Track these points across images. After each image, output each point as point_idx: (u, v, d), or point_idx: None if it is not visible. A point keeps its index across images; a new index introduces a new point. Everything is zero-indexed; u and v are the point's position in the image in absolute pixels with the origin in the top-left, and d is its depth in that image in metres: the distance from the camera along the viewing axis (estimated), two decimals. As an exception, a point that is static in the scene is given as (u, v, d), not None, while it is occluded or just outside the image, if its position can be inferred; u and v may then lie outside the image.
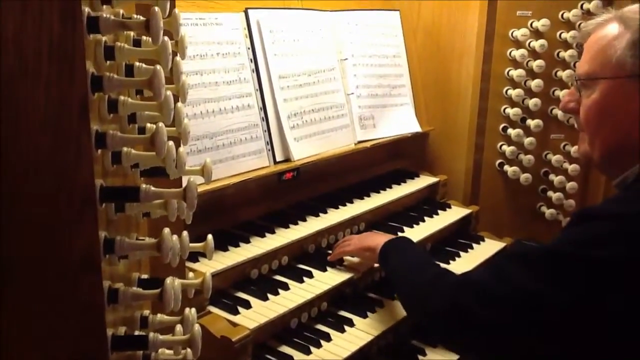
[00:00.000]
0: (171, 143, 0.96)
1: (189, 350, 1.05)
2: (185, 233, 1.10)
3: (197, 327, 1.03)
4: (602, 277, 1.22)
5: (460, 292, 1.43)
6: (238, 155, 1.94)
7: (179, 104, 1.07)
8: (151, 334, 0.98)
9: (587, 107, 1.40)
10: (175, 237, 1.01)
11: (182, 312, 1.11)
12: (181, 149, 1.05)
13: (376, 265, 2.01)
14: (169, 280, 0.97)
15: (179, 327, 1.09)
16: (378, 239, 1.95)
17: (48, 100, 0.76)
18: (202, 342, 1.08)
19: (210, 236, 1.20)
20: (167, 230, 0.95)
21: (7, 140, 0.76)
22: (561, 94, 2.71)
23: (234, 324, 1.65)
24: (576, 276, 1.24)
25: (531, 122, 2.71)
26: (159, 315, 1.16)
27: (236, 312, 1.70)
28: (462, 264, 2.33)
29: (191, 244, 1.13)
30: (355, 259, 2.04)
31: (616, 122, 1.35)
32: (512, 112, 2.72)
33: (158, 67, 0.88)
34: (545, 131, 2.76)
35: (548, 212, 2.84)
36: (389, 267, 1.86)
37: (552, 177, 2.81)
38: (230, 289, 1.83)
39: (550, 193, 2.83)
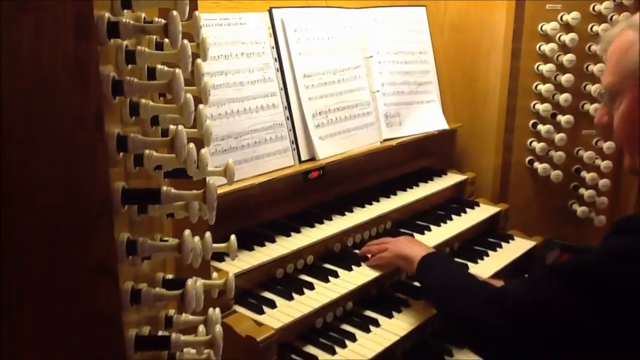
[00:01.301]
0: (192, 145, 0.96)
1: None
2: (208, 234, 1.10)
3: (218, 327, 1.03)
4: (635, 295, 1.20)
5: (491, 303, 1.44)
6: (263, 154, 1.95)
7: (201, 106, 1.07)
8: (173, 334, 0.99)
9: (617, 120, 1.37)
10: (197, 238, 1.02)
11: (207, 312, 1.12)
12: (203, 150, 1.06)
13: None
14: (190, 281, 0.98)
15: (201, 328, 1.10)
16: (415, 249, 1.93)
17: (63, 114, 0.77)
18: (227, 342, 1.09)
19: (233, 237, 1.21)
20: (187, 232, 0.96)
21: (24, 153, 0.78)
22: (592, 88, 2.65)
23: (259, 324, 1.65)
24: (609, 295, 1.23)
25: (562, 118, 2.65)
26: (183, 315, 1.17)
27: (261, 312, 1.71)
28: (491, 262, 2.29)
29: (214, 245, 1.14)
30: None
31: None
32: (542, 107, 2.66)
33: (177, 70, 0.89)
34: (577, 127, 2.70)
35: (580, 210, 2.78)
36: (426, 280, 1.85)
37: (583, 174, 2.75)
38: (256, 289, 1.83)
39: (582, 190, 2.77)
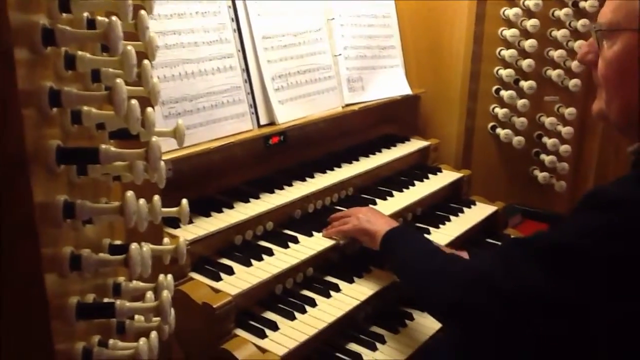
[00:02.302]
0: (134, 101, 0.90)
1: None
2: (156, 197, 1.05)
3: (165, 292, 0.99)
4: (619, 274, 1.14)
5: (470, 285, 1.36)
6: (220, 118, 1.88)
7: (146, 62, 1.01)
8: (118, 302, 0.94)
9: (607, 61, 1.26)
10: (142, 200, 0.96)
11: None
12: (149, 109, 1.00)
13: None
14: (134, 245, 0.93)
15: (149, 294, 1.05)
16: (378, 223, 1.88)
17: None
18: (184, 309, 1.05)
19: (185, 200, 1.15)
20: (129, 193, 0.91)
21: None
22: (555, 54, 2.65)
23: (217, 291, 1.61)
24: (592, 274, 1.17)
25: (524, 84, 2.64)
26: (133, 282, 1.13)
27: (219, 279, 1.67)
28: (452, 227, 2.29)
29: (165, 209, 1.09)
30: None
31: (639, 80, 1.21)
32: (505, 73, 2.66)
33: (114, 18, 0.83)
34: (539, 93, 2.70)
35: (541, 175, 2.81)
36: (392, 257, 1.80)
37: (545, 139, 2.76)
38: (214, 256, 1.79)
39: (543, 156, 2.79)
